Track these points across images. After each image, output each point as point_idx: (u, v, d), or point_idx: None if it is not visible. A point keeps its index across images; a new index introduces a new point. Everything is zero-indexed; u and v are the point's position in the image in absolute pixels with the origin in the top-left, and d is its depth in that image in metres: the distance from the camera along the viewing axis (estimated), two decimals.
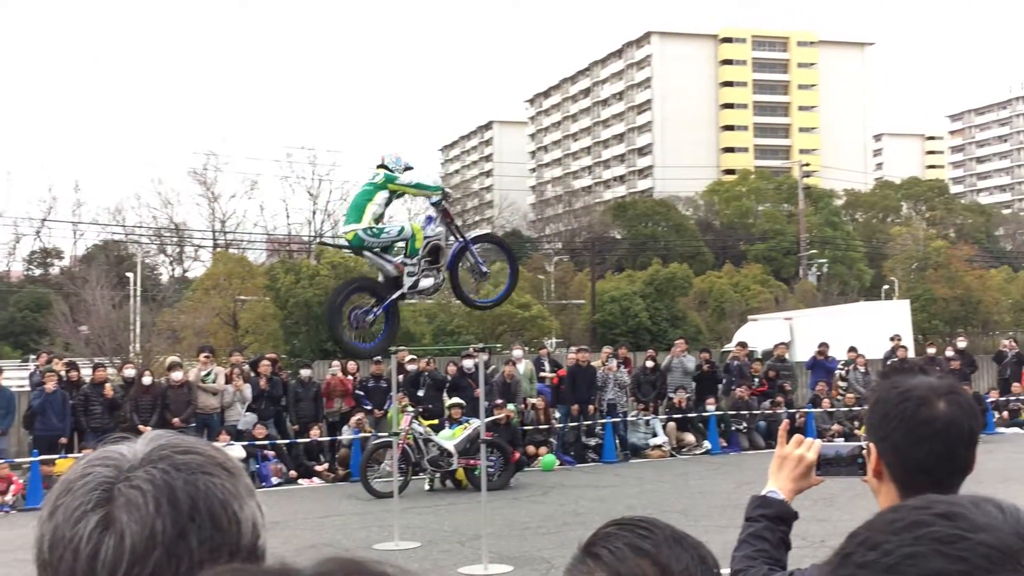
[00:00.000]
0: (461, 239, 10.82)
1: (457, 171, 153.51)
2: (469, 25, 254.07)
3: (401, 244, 10.13)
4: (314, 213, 70.64)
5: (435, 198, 10.69)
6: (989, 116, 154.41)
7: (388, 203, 10.21)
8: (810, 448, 2.45)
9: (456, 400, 18.11)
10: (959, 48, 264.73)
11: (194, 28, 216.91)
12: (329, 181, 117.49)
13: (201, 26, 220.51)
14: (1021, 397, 25.40)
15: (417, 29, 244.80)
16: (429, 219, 10.64)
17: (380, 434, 18.94)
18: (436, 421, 18.46)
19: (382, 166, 10.35)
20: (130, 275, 50.08)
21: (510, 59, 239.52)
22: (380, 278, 10.37)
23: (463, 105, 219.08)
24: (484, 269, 11.24)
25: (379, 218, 10.06)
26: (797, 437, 2.52)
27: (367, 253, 10.08)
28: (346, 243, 10.14)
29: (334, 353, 30.93)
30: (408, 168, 10.58)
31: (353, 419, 19.99)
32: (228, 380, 19.49)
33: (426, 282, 10.09)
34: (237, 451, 18.30)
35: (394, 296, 10.06)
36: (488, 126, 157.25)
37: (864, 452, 2.21)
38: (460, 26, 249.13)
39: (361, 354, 15.00)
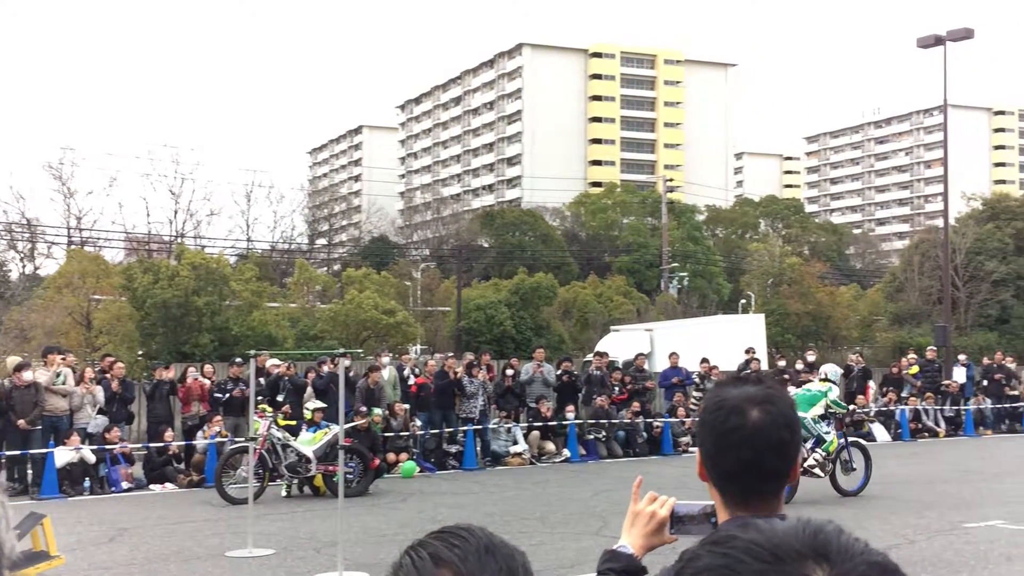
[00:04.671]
0: None
1: (325, 175, 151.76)
2: (340, 28, 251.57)
3: None
4: (176, 212, 68.94)
5: None
6: (843, 139, 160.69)
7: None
8: (663, 505, 2.47)
9: (318, 404, 17.91)
10: (817, 74, 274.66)
11: (53, 18, 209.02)
12: (192, 180, 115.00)
13: (61, 17, 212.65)
14: (866, 409, 26.48)
15: (288, 29, 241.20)
16: None
17: (237, 439, 18.59)
18: (294, 423, 18.20)
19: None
20: None
21: (382, 64, 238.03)
22: None
23: (333, 109, 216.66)
24: None
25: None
26: (651, 494, 2.52)
27: None
28: None
29: (192, 356, 30.30)
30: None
31: (209, 424, 19.58)
32: (79, 382, 18.86)
33: None
34: (87, 454, 17.72)
35: None
36: (358, 131, 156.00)
37: (715, 508, 2.21)
38: (331, 28, 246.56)
39: None
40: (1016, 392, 28.91)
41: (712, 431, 2.13)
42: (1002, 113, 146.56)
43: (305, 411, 17.95)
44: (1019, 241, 47.61)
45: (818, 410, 16.57)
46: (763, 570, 1.05)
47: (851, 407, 17.56)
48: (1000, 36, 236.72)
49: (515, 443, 21.73)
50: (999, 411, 28.80)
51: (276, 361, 21.58)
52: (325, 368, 20.20)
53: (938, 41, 34.84)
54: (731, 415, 2.09)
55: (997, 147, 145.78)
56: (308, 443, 16.98)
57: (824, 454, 16.34)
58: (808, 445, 16.18)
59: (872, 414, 26.59)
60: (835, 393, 17.26)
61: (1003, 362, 29.77)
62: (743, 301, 60.35)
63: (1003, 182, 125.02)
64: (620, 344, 32.28)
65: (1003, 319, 46.18)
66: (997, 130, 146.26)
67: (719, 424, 2.11)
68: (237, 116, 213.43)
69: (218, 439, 19.09)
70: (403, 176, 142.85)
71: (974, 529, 13.08)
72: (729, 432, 2.08)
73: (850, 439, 17.28)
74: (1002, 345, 39.35)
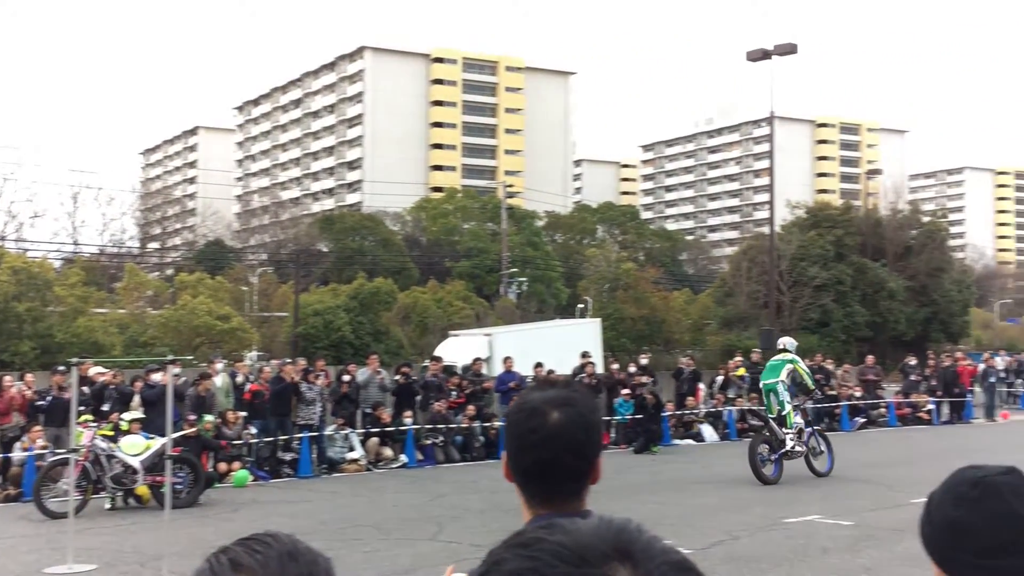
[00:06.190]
0: None
1: (159, 176, 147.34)
2: (175, 24, 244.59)
3: None
4: None
5: None
6: (677, 148, 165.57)
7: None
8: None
9: (135, 414, 17.30)
10: (654, 84, 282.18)
11: None
12: (15, 180, 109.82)
13: None
14: (695, 411, 27.31)
15: (120, 24, 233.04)
16: None
17: (58, 451, 17.81)
18: (112, 433, 17.51)
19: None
20: None
21: (218, 64, 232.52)
22: None
23: (167, 108, 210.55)
24: None
25: None
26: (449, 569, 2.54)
27: None
28: None
29: (11, 364, 28.92)
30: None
31: (28, 435, 18.69)
32: None
33: None
34: None
35: None
36: (193, 131, 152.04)
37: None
38: (165, 24, 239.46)
39: None
40: (834, 392, 30.26)
41: (514, 432, 2.18)
42: (824, 125, 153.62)
43: (121, 422, 17.32)
44: (839, 248, 49.99)
45: (785, 375, 18.22)
46: (569, 572, 1.07)
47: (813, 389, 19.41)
48: (822, 52, 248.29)
49: (351, 449, 21.53)
50: (819, 410, 30.11)
51: (101, 369, 20.80)
52: (154, 377, 19.52)
53: (765, 55, 36.28)
54: (531, 416, 2.14)
55: (820, 158, 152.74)
56: (134, 452, 16.39)
57: (794, 433, 17.93)
58: (788, 437, 17.90)
59: (701, 415, 27.40)
60: (803, 364, 19.44)
61: (823, 363, 31.11)
62: (580, 306, 61.42)
63: (825, 191, 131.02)
64: (459, 349, 32.35)
65: (824, 322, 48.37)
66: (820, 141, 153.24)
67: (520, 425, 2.16)
68: (64, 115, 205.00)
69: (37, 451, 18.24)
70: (240, 179, 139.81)
71: (794, 524, 13.64)
72: (529, 433, 2.13)
73: (814, 428, 19.08)
74: (822, 347, 41.23)
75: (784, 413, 17.97)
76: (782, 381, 18.15)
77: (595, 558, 1.07)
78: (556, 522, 1.15)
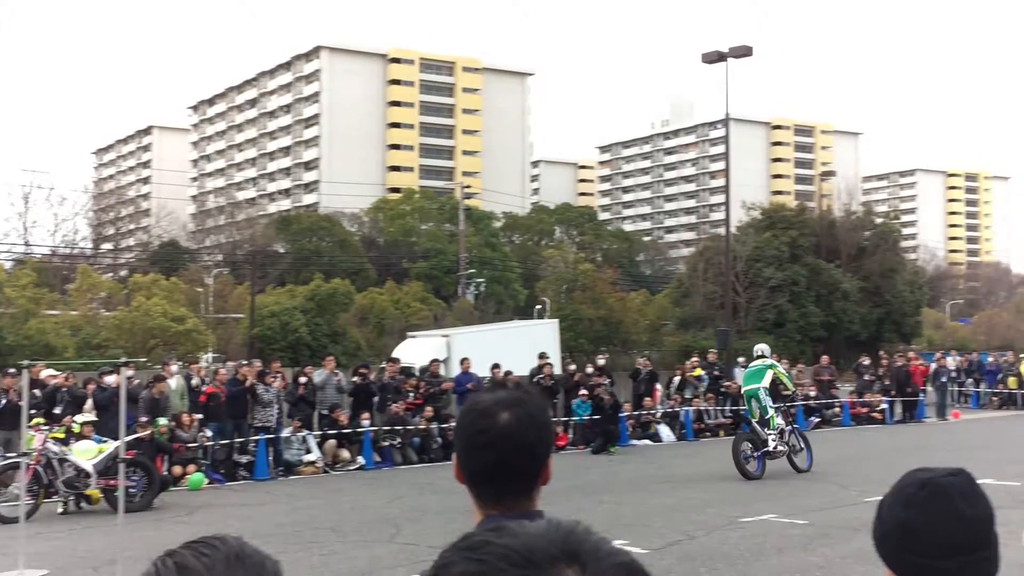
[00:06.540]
0: None
1: (112, 176, 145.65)
2: (129, 22, 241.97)
3: None
4: None
5: None
6: (634, 149, 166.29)
7: None
8: None
9: (88, 417, 17.09)
10: (611, 85, 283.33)
11: None
12: None
13: None
14: (652, 411, 27.43)
15: (72, 22, 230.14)
16: None
17: (9, 455, 17.54)
18: (63, 436, 17.28)
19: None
20: None
21: (173, 63, 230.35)
22: None
23: (121, 108, 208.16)
24: None
25: None
26: None
27: None
28: None
29: None
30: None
31: None
32: None
33: None
34: None
35: None
36: (148, 131, 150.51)
37: None
38: (119, 22, 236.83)
39: None
40: (789, 392, 30.55)
41: (464, 434, 2.18)
42: (779, 127, 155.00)
43: (73, 424, 17.11)
44: (794, 249, 50.47)
45: (767, 381, 19.08)
46: (517, 575, 1.07)
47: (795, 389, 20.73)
48: (777, 54, 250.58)
49: (308, 452, 21.41)
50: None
51: (52, 372, 20.53)
52: (107, 380, 19.29)
53: (720, 57, 36.54)
54: (481, 418, 2.15)
55: (775, 159, 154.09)
56: (87, 457, 16.19)
57: (776, 434, 18.72)
58: (770, 437, 18.68)
59: (659, 415, 27.53)
60: (781, 367, 20.59)
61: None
62: (538, 307, 61.55)
63: (780, 193, 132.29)
64: (417, 350, 32.30)
65: (779, 323, 48.81)
66: (775, 143, 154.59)
67: (470, 427, 2.16)
68: (15, 114, 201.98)
69: None
70: (195, 179, 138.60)
71: (749, 523, 13.75)
72: (478, 434, 2.14)
73: (793, 426, 20.00)
74: (778, 348, 41.56)
75: (767, 417, 18.89)
76: (764, 387, 19.07)
77: (543, 560, 1.08)
78: (504, 524, 1.15)
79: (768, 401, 19.07)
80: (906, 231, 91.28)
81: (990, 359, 40.87)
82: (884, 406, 32.09)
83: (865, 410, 31.91)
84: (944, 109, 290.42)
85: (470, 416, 2.17)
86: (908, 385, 32.71)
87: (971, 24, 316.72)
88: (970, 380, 39.68)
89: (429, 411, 23.42)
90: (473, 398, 2.22)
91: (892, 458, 21.14)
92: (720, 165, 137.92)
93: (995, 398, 38.35)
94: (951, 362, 38.17)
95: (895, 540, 2.00)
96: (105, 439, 16.46)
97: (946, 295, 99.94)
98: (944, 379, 34.63)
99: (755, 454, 18.66)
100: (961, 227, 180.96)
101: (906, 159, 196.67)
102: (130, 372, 18.45)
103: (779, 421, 19.11)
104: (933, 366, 35.46)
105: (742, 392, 19.70)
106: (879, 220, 58.83)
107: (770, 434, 18.75)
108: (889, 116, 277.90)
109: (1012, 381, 37.86)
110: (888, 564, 2.02)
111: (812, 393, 31.20)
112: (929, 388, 35.16)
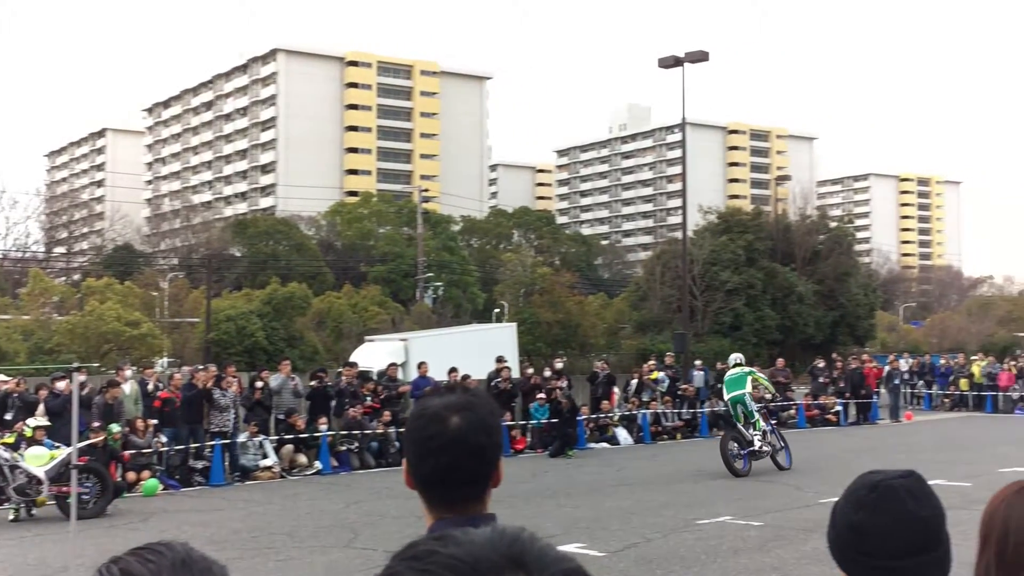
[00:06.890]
0: None
1: (65, 179, 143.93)
2: (81, 23, 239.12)
3: None
4: None
5: None
6: (592, 153, 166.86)
7: None
8: None
9: (40, 421, 16.85)
10: (569, 89, 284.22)
11: None
12: None
13: None
14: (610, 414, 27.53)
15: (22, 20, 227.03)
16: None
17: None
18: (13, 441, 17.03)
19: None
20: None
21: (127, 65, 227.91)
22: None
23: (74, 109, 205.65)
24: None
25: None
26: None
27: None
28: None
29: None
30: None
31: None
32: None
33: None
34: None
35: None
36: (101, 133, 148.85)
37: None
38: (71, 22, 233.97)
39: None
40: (770, 396, 30.81)
41: (414, 439, 2.17)
42: (735, 132, 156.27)
43: (25, 428, 16.87)
44: (750, 253, 50.82)
45: (750, 386, 20.16)
46: None
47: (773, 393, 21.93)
48: (734, 59, 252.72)
49: (265, 457, 21.26)
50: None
51: (3, 377, 20.25)
52: (59, 385, 19.02)
53: (677, 62, 36.75)
54: (431, 423, 2.14)
55: (731, 164, 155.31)
56: (39, 462, 15.97)
57: (760, 435, 19.68)
58: (756, 438, 19.58)
59: (616, 418, 27.63)
60: (759, 373, 22.00)
61: None
62: (496, 310, 61.55)
63: (736, 197, 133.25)
64: (375, 354, 32.17)
65: (736, 326, 49.11)
66: (731, 148, 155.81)
67: (420, 431, 2.15)
68: None
69: None
70: (150, 182, 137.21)
71: (706, 525, 13.84)
72: (428, 439, 2.13)
73: (773, 426, 20.95)
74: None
75: (753, 420, 19.91)
76: (748, 393, 20.16)
77: (488, 569, 1.08)
78: (449, 533, 1.15)
79: (753, 406, 20.13)
80: (860, 235, 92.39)
81: (942, 361, 41.47)
82: (839, 408, 32.44)
83: (819, 412, 32.23)
84: (897, 115, 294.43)
85: (420, 421, 2.16)
86: (862, 387, 33.09)
87: (923, 30, 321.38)
88: (922, 382, 40.23)
89: (387, 415, 23.34)
90: (422, 403, 2.21)
91: (846, 459, 21.37)
92: (677, 169, 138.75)
93: (947, 400, 38.92)
94: (904, 364, 38.68)
95: (847, 542, 2.02)
96: (58, 445, 16.23)
97: (899, 298, 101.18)
98: (897, 381, 35.06)
99: (742, 452, 19.45)
100: (914, 231, 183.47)
101: (859, 164, 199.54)
102: (83, 377, 18.25)
103: (763, 424, 20.04)
104: (886, 368, 35.90)
105: (727, 399, 20.50)
106: (833, 224, 59.41)
107: (755, 435, 19.64)
108: (843, 121, 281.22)
109: (963, 383, 38.45)
110: (841, 566, 2.04)
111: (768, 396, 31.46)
112: (883, 390, 35.61)
